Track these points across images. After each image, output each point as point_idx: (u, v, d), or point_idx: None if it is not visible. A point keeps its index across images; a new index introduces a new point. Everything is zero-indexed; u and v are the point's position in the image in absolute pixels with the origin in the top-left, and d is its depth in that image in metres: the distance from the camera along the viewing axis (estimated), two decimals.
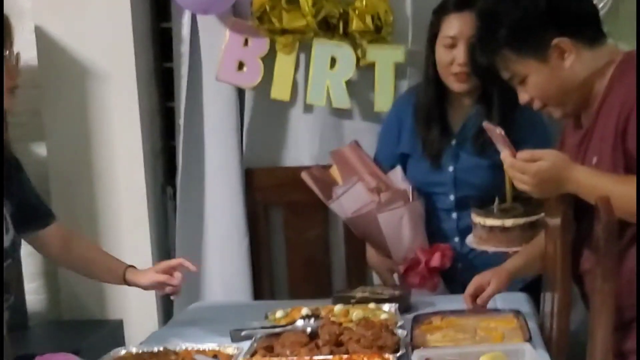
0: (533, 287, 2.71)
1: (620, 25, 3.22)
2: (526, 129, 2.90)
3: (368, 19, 3.33)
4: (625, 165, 2.15)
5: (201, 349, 2.34)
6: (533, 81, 2.27)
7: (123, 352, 2.37)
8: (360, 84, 3.45)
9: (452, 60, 2.93)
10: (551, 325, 2.34)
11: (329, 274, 3.57)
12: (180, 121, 3.51)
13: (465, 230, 2.83)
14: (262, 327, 2.46)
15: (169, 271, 2.62)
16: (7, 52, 2.29)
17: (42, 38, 3.44)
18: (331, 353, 2.21)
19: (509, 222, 2.53)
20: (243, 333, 2.42)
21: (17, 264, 3.27)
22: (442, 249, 3.01)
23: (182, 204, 3.54)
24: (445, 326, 2.43)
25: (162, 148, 3.71)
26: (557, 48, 2.22)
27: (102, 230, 3.52)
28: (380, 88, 3.40)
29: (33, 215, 2.54)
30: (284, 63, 3.42)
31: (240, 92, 3.50)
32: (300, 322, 2.38)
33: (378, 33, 3.36)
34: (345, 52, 3.39)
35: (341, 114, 3.47)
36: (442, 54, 2.96)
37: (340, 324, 2.39)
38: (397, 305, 2.61)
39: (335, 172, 3.26)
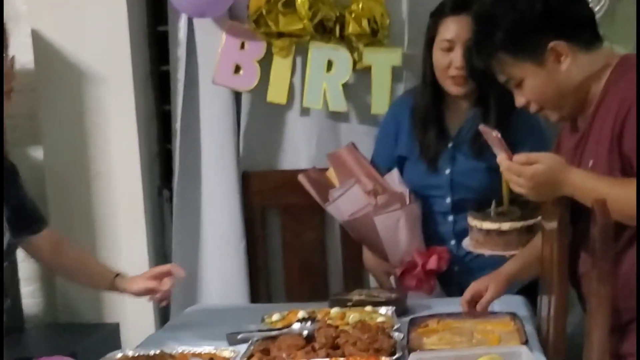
0: (530, 290, 2.71)
1: (617, 28, 3.23)
2: (523, 132, 2.90)
3: (364, 22, 3.33)
4: (621, 168, 2.15)
5: (197, 352, 2.33)
6: (529, 84, 2.28)
7: (119, 355, 2.36)
8: (357, 87, 3.45)
9: (450, 63, 2.94)
10: (548, 328, 2.34)
11: (325, 277, 3.56)
12: (177, 124, 3.50)
13: (462, 233, 2.83)
14: (259, 330, 2.46)
15: (159, 278, 2.63)
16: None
17: (39, 41, 3.44)
18: (327, 356, 2.21)
19: (505, 226, 2.53)
20: (239, 336, 2.42)
21: (14, 267, 3.27)
22: (439, 252, 3.01)
23: (179, 207, 3.54)
24: (441, 329, 2.43)
25: (159, 151, 3.71)
26: (554, 51, 2.22)
27: (99, 233, 3.52)
28: (376, 91, 3.40)
29: (28, 220, 2.57)
30: (281, 66, 3.42)
31: (237, 95, 3.50)
32: (296, 325, 2.39)
33: (374, 36, 3.36)
34: (341, 55, 3.39)
35: (338, 117, 3.48)
36: (439, 57, 2.96)
37: (337, 327, 2.39)
38: (393, 308, 2.61)
39: (332, 174, 3.26)
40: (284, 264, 3.59)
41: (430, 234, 3.09)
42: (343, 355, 2.20)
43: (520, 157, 2.19)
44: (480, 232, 2.59)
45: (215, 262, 3.55)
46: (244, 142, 3.53)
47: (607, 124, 2.18)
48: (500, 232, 2.54)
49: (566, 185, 2.16)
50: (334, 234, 3.53)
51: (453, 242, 3.05)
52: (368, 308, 2.62)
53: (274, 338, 2.36)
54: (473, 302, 2.56)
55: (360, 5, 3.33)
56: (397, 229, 3.04)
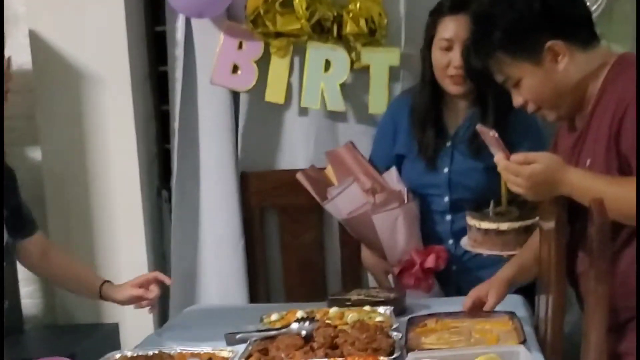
0: (528, 289, 2.71)
1: (614, 27, 3.24)
2: (521, 132, 2.90)
3: (362, 22, 3.33)
4: (618, 167, 2.15)
5: (196, 352, 2.34)
6: (527, 84, 2.28)
7: (118, 355, 2.36)
8: (355, 87, 3.45)
9: (448, 62, 2.94)
10: (546, 327, 2.34)
11: (324, 277, 3.56)
12: (175, 124, 3.51)
13: (459, 232, 2.84)
14: (257, 330, 2.46)
15: (146, 285, 2.64)
16: None
17: (37, 42, 3.44)
18: (326, 356, 2.21)
19: (504, 226, 2.54)
20: (238, 336, 2.42)
21: (13, 268, 3.27)
22: (437, 251, 3.01)
23: (177, 208, 3.54)
24: (440, 329, 2.43)
25: (157, 151, 3.71)
26: (551, 51, 2.22)
27: (97, 234, 3.52)
28: (374, 91, 3.40)
29: (22, 223, 2.60)
30: (279, 66, 3.42)
31: (235, 96, 3.50)
32: (295, 325, 2.39)
33: (372, 36, 3.37)
34: (339, 55, 3.39)
35: (336, 116, 3.48)
36: (438, 57, 2.97)
37: (335, 326, 2.39)
38: (392, 307, 2.60)
39: (330, 172, 3.27)
40: (282, 264, 3.59)
41: (428, 233, 3.10)
42: (342, 355, 2.20)
43: (518, 156, 2.19)
44: (479, 232, 2.59)
45: (213, 262, 3.55)
46: (242, 142, 3.53)
47: (605, 123, 2.18)
48: (498, 232, 2.54)
49: (564, 184, 2.16)
50: (333, 234, 3.53)
51: (451, 241, 3.05)
52: (367, 308, 2.62)
53: (272, 338, 2.36)
54: (475, 309, 2.56)
55: (358, 5, 3.33)
56: (395, 228, 3.05)
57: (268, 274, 3.60)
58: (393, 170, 3.15)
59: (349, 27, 3.35)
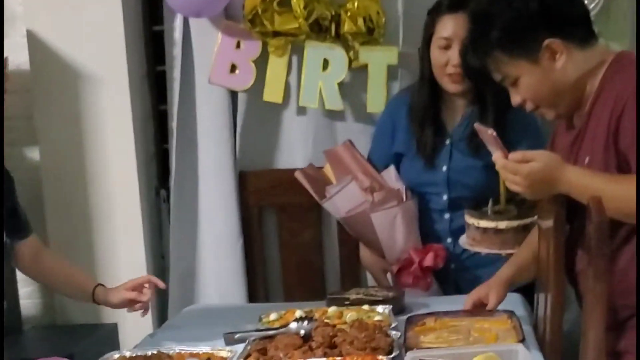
0: (527, 288, 2.71)
1: (612, 25, 3.24)
2: (519, 130, 2.91)
3: (360, 21, 3.33)
4: (617, 165, 2.15)
5: (194, 352, 2.33)
6: (525, 83, 2.27)
7: (117, 356, 2.36)
8: (353, 86, 3.45)
9: (447, 61, 2.94)
10: (545, 325, 2.34)
11: (322, 276, 3.57)
12: (173, 124, 3.50)
13: (458, 231, 2.84)
14: (256, 330, 2.46)
15: (138, 288, 2.64)
16: None
17: (34, 42, 3.44)
18: (325, 355, 2.21)
19: (502, 224, 2.53)
20: (236, 336, 2.41)
21: (11, 268, 3.27)
22: (436, 249, 3.01)
23: (176, 207, 3.54)
24: (438, 327, 2.43)
25: (155, 151, 3.71)
26: (549, 49, 2.22)
27: (96, 234, 3.52)
28: (372, 90, 3.41)
29: (18, 225, 2.60)
30: (277, 65, 3.42)
31: (233, 95, 3.50)
32: (293, 325, 2.38)
33: (370, 35, 3.37)
34: (337, 54, 3.39)
35: (334, 115, 3.48)
36: (436, 55, 2.96)
37: (334, 326, 2.39)
38: (390, 306, 2.60)
39: (328, 171, 3.27)
40: (281, 263, 3.59)
41: (426, 232, 3.09)
42: (340, 355, 2.20)
43: (516, 155, 2.19)
44: (477, 230, 2.59)
45: (212, 261, 3.55)
46: (241, 141, 3.53)
47: (603, 121, 2.18)
48: (497, 231, 2.54)
49: (562, 182, 2.16)
50: (331, 233, 3.53)
51: (449, 239, 3.05)
52: (365, 307, 2.62)
53: (271, 337, 2.36)
54: (475, 310, 2.56)
55: (356, 4, 3.33)
56: (394, 226, 3.05)
57: (267, 273, 3.60)
58: (391, 169, 3.15)
59: (346, 26, 3.35)
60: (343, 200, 3.12)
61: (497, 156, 2.23)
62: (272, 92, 3.44)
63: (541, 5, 2.22)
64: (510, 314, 2.46)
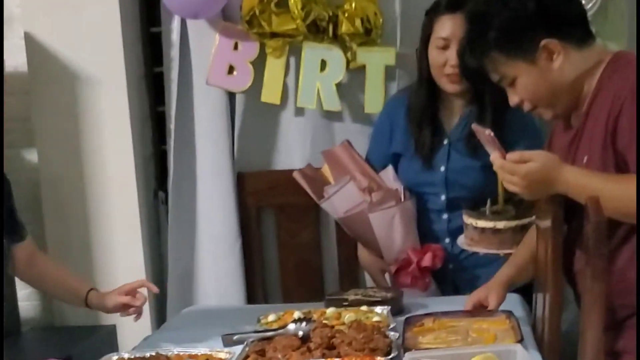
0: (526, 288, 2.71)
1: (609, 25, 3.24)
2: (518, 131, 2.91)
3: (357, 22, 3.33)
4: (615, 164, 2.15)
5: (193, 354, 2.34)
6: (522, 83, 2.27)
7: (115, 357, 2.36)
8: (351, 87, 3.45)
9: (445, 61, 2.94)
10: (543, 326, 2.34)
11: (321, 277, 3.57)
12: (171, 125, 3.50)
13: (456, 231, 2.84)
14: (254, 331, 2.46)
15: (132, 293, 2.64)
16: None
17: (32, 44, 3.44)
18: (323, 356, 2.21)
19: (500, 224, 2.53)
20: (235, 337, 2.41)
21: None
22: (434, 249, 3.01)
23: (174, 209, 3.54)
24: (437, 328, 2.43)
25: (154, 153, 3.71)
26: (546, 49, 2.22)
27: (94, 236, 3.52)
28: (370, 90, 3.40)
29: (14, 228, 2.59)
30: (274, 66, 3.42)
31: (231, 96, 3.50)
32: (292, 326, 2.38)
33: (368, 36, 3.36)
34: (335, 55, 3.39)
35: (332, 116, 3.48)
36: (435, 55, 2.96)
37: (333, 327, 2.39)
38: (389, 307, 2.60)
39: (327, 171, 3.27)
40: (279, 264, 3.59)
41: (424, 232, 3.10)
42: (339, 356, 2.20)
43: (514, 155, 2.19)
44: (475, 230, 2.59)
45: (211, 262, 3.55)
46: (239, 142, 3.53)
47: (601, 121, 2.18)
48: (495, 231, 2.54)
49: (560, 182, 2.16)
50: (330, 234, 3.53)
51: (447, 240, 3.05)
52: (364, 307, 2.62)
53: (269, 339, 2.36)
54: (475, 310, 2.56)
55: (353, 5, 3.33)
56: (392, 226, 3.05)
57: (265, 274, 3.60)
58: (390, 169, 3.15)
59: (344, 27, 3.34)
60: (341, 200, 3.12)
61: (494, 156, 2.23)
62: (270, 93, 3.44)
63: (538, 5, 2.22)
64: (509, 314, 2.46)
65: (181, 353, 2.35)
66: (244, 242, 3.53)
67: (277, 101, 3.45)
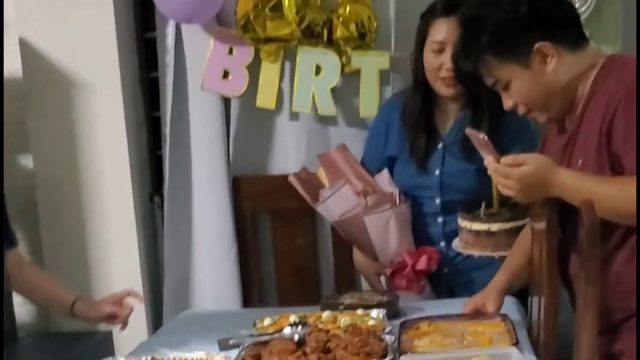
0: (521, 291, 2.71)
1: (603, 28, 3.24)
2: (513, 134, 2.92)
3: (352, 26, 3.33)
4: (610, 166, 2.16)
5: (189, 358, 2.34)
6: (516, 86, 2.28)
7: None
8: (345, 91, 3.45)
9: (440, 65, 2.94)
10: (539, 329, 2.34)
11: (317, 281, 3.56)
12: (167, 130, 3.50)
13: (451, 234, 2.83)
14: (250, 336, 2.46)
15: (119, 302, 2.63)
16: None
17: (27, 49, 3.44)
18: None
19: (495, 227, 2.53)
20: (231, 341, 2.42)
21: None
22: (429, 252, 3.01)
23: (170, 213, 3.53)
24: (432, 331, 2.43)
25: (149, 157, 3.71)
26: (539, 52, 2.22)
27: (90, 241, 3.52)
28: (365, 94, 3.41)
29: (7, 235, 2.60)
30: (269, 71, 3.42)
31: (226, 101, 3.50)
32: (287, 330, 2.38)
33: (362, 40, 3.37)
34: (330, 60, 3.39)
35: (327, 120, 3.48)
36: (430, 59, 2.97)
37: (328, 330, 2.39)
38: (385, 311, 2.60)
39: (322, 175, 3.27)
40: (275, 268, 3.59)
41: (420, 235, 3.10)
42: (334, 359, 2.20)
43: (508, 159, 2.19)
44: (470, 233, 2.59)
45: (207, 267, 3.55)
46: (234, 147, 3.53)
47: (595, 123, 2.18)
48: (489, 233, 2.54)
49: (554, 185, 2.17)
50: (326, 238, 3.53)
51: (443, 243, 3.05)
52: (359, 311, 2.62)
53: (265, 343, 2.36)
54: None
55: (348, 9, 3.33)
56: (387, 229, 3.05)
57: (261, 278, 3.60)
58: (385, 173, 3.15)
59: (339, 31, 3.35)
60: (336, 203, 3.12)
61: (488, 160, 2.23)
62: (265, 98, 3.44)
63: (531, 8, 2.23)
64: (504, 317, 2.46)
65: (177, 357, 2.35)
66: (240, 246, 3.53)
67: (272, 106, 3.45)
